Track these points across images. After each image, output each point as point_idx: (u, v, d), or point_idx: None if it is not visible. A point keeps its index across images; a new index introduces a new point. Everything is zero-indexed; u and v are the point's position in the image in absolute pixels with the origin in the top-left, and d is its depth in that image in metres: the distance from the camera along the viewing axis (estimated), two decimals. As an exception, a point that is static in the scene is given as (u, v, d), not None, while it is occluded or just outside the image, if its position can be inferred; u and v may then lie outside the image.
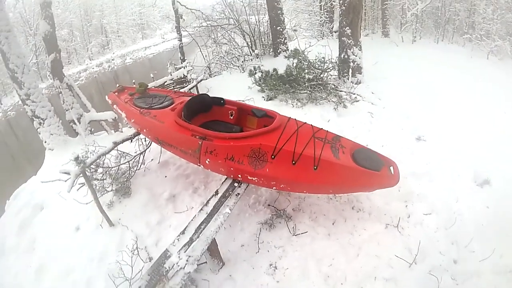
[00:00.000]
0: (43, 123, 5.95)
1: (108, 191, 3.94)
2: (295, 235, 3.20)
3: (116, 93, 4.59)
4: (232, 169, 3.09)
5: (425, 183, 3.73)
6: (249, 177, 3.05)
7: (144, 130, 3.90)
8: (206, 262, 2.92)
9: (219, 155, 3.08)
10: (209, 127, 3.56)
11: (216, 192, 3.10)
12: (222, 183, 3.25)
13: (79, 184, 3.53)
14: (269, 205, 3.59)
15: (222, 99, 4.07)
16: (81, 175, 3.37)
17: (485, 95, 6.09)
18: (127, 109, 4.11)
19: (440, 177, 3.83)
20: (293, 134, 2.99)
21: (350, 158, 2.90)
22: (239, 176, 3.13)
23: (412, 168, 3.87)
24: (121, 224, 3.66)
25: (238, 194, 3.05)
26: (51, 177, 3.81)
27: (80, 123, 6.66)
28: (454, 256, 2.94)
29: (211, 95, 4.16)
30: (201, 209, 2.92)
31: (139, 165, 4.32)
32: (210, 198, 3.04)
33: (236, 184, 3.17)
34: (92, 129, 7.02)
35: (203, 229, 2.67)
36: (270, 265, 2.98)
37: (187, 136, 3.28)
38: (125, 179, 4.00)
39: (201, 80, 6.90)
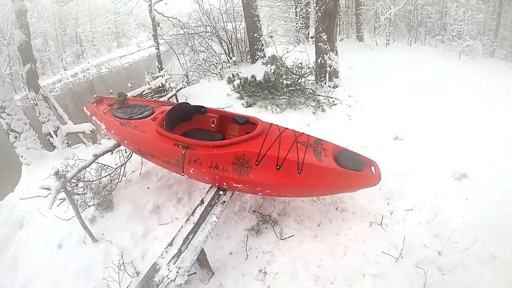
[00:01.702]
0: (19, 137, 5.74)
1: (90, 206, 3.85)
2: (282, 239, 3.23)
3: (95, 104, 4.49)
4: (217, 177, 3.08)
5: (405, 181, 3.85)
6: (234, 185, 3.06)
7: (125, 141, 3.83)
8: (195, 272, 2.89)
9: (203, 163, 3.06)
10: (191, 136, 3.55)
11: (202, 201, 3.07)
12: (207, 191, 3.23)
13: (59, 199, 3.42)
14: (254, 211, 3.60)
15: (203, 107, 4.06)
16: (62, 190, 3.27)
17: (458, 93, 6.35)
18: (107, 120, 4.02)
19: (419, 174, 3.97)
20: (276, 140, 3.03)
21: (333, 160, 2.97)
22: (224, 184, 3.13)
23: (392, 167, 3.99)
24: (105, 239, 3.57)
25: (224, 202, 3.04)
26: (29, 193, 3.71)
27: (57, 136, 6.47)
28: (438, 248, 3.03)
29: (190, 103, 4.15)
30: (188, 219, 2.89)
31: (120, 177, 4.23)
32: (196, 208, 3.01)
33: (221, 192, 3.16)
34: (70, 142, 6.81)
35: (191, 239, 2.64)
36: (260, 270, 2.98)
37: (169, 145, 3.24)
38: (107, 193, 3.91)
39: (180, 89, 6.86)
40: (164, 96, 6.92)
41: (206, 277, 2.91)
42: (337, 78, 6.98)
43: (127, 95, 4.56)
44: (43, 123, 6.43)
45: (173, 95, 6.53)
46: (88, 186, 3.85)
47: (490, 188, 3.66)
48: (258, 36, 9.69)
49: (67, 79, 28.72)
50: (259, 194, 3.16)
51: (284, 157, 2.87)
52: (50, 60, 31.62)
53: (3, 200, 4.99)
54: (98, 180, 3.90)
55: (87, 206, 3.82)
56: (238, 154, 2.95)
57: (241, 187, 3.06)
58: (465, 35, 11.11)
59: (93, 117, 4.33)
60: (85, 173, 3.81)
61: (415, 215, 3.40)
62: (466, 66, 9.25)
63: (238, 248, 3.21)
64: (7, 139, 5.89)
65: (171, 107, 3.93)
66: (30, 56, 6.33)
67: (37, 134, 6.06)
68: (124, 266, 3.17)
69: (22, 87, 7.31)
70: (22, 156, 5.85)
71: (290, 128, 3.35)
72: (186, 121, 4.06)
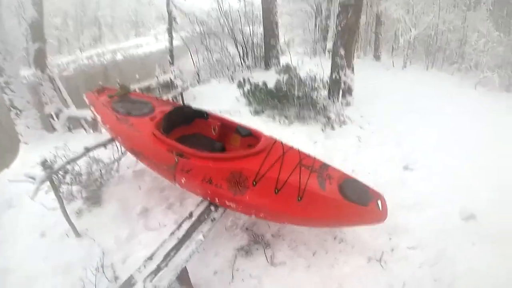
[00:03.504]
0: (20, 115, 5.68)
1: (77, 199, 3.67)
2: (273, 265, 2.99)
3: (96, 93, 4.32)
4: (209, 192, 2.86)
5: (411, 215, 3.59)
6: (227, 203, 2.82)
7: (119, 138, 3.64)
8: (174, 288, 2.68)
9: (196, 175, 2.84)
10: (189, 141, 3.35)
11: (190, 215, 2.84)
12: (198, 205, 3.01)
13: (48, 186, 3.26)
14: (247, 228, 3.37)
15: (205, 112, 3.86)
16: (47, 181, 3.09)
17: (474, 127, 6.09)
18: (104, 112, 3.84)
19: (426, 209, 3.70)
20: (278, 159, 2.79)
21: (337, 190, 2.72)
22: (216, 200, 2.91)
23: (398, 199, 3.72)
24: (88, 236, 3.39)
25: (214, 219, 2.81)
26: (20, 176, 3.50)
27: (58, 118, 6.41)
28: (437, 295, 2.79)
29: (197, 103, 3.98)
30: (172, 233, 2.67)
31: (113, 172, 4.05)
32: (183, 221, 2.78)
33: (212, 208, 2.92)
34: (71, 126, 6.77)
35: (173, 256, 2.42)
36: (244, 296, 2.76)
37: (163, 150, 3.03)
38: (95, 188, 3.72)
39: (186, 88, 6.68)
40: (171, 93, 6.75)
41: (186, 296, 2.69)
42: (351, 96, 6.75)
43: (129, 89, 4.38)
44: (46, 103, 6.39)
45: (178, 94, 6.35)
46: (77, 178, 3.66)
47: (498, 235, 3.36)
48: (274, 43, 9.51)
49: (82, 60, 28.80)
50: (253, 216, 2.92)
51: (284, 180, 2.62)
52: (68, 40, 31.77)
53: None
54: (88, 175, 3.71)
55: (74, 199, 3.66)
56: (235, 171, 2.71)
57: (234, 206, 2.82)
58: (483, 66, 10.88)
59: (91, 107, 4.15)
60: (74, 165, 3.62)
61: (417, 255, 3.14)
62: (482, 98, 8.97)
63: (225, 268, 2.99)
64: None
65: (171, 108, 3.73)
66: (40, 35, 6.41)
67: (38, 114, 5.99)
68: (102, 268, 2.98)
69: (31, 65, 7.31)
70: (21, 135, 5.79)
71: (295, 148, 3.12)
72: (186, 124, 3.86)
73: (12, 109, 5.64)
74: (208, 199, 2.99)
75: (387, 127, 5.68)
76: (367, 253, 3.13)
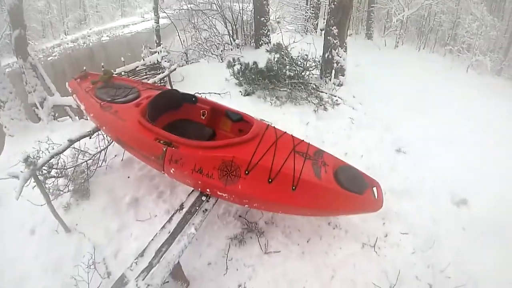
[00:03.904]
0: (3, 106, 5.45)
1: (64, 192, 3.53)
2: (267, 253, 2.96)
3: (78, 80, 4.10)
4: (200, 182, 2.74)
5: (404, 201, 3.60)
6: (218, 193, 2.72)
7: (104, 128, 3.47)
8: (168, 281, 2.62)
9: (185, 165, 2.71)
10: (178, 127, 3.20)
11: (181, 207, 2.75)
12: (189, 195, 2.91)
13: (33, 181, 3.09)
14: (240, 216, 3.32)
15: (194, 96, 3.69)
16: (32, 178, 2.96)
17: (467, 111, 6.06)
18: (87, 100, 3.64)
19: (418, 194, 3.71)
20: (271, 147, 2.68)
21: (333, 178, 2.65)
22: (208, 190, 2.81)
23: (391, 183, 3.72)
24: (78, 231, 3.30)
25: (206, 210, 2.73)
26: (10, 167, 3.40)
27: (42, 107, 6.17)
28: (430, 281, 2.84)
29: (186, 84, 3.78)
30: (163, 226, 2.58)
31: (100, 162, 3.89)
32: (173, 214, 2.69)
33: (204, 198, 2.83)
34: (56, 114, 6.51)
35: (164, 252, 2.35)
36: (239, 286, 2.75)
37: (150, 139, 2.89)
38: (83, 180, 3.57)
39: (174, 70, 6.43)
40: (158, 74, 6.51)
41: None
42: (343, 76, 6.61)
43: (113, 73, 4.15)
44: (29, 92, 6.12)
45: (165, 76, 6.11)
46: (63, 172, 3.51)
47: (488, 220, 3.42)
48: (264, 21, 9.21)
49: (67, 44, 27.77)
50: (246, 206, 2.84)
51: (278, 169, 2.52)
52: (52, 24, 30.43)
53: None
54: (73, 168, 3.55)
55: (60, 193, 3.51)
56: (226, 160, 2.58)
57: (226, 197, 2.71)
58: (475, 49, 10.83)
59: (74, 95, 3.95)
60: (59, 158, 3.46)
61: (410, 240, 3.17)
62: (473, 81, 8.94)
63: (218, 258, 2.95)
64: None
65: (156, 94, 3.50)
66: (20, 22, 6.04)
67: (22, 104, 5.76)
68: (94, 265, 2.92)
69: (13, 53, 6.98)
70: (5, 127, 5.58)
71: (288, 133, 3.01)
72: (174, 109, 3.68)
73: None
74: (199, 189, 2.89)
75: (380, 108, 5.62)
76: (361, 238, 3.12)
